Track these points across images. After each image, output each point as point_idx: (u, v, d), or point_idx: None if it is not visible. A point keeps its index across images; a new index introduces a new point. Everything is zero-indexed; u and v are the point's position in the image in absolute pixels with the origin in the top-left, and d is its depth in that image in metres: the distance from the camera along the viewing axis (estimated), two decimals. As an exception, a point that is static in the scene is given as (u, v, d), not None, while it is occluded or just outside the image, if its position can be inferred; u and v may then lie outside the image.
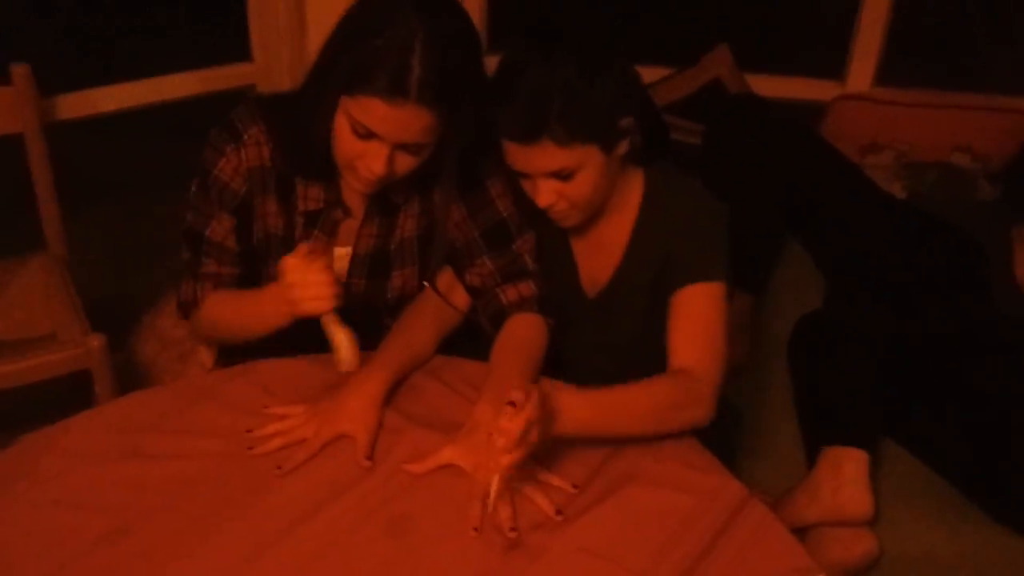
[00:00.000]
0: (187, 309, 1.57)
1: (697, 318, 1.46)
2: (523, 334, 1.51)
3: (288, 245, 1.53)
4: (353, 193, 1.52)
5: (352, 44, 1.32)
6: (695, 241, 1.51)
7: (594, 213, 1.55)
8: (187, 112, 2.52)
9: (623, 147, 1.47)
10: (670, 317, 1.48)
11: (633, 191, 1.58)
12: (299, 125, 1.42)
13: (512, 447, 1.17)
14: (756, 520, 1.26)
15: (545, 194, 1.45)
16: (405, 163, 1.38)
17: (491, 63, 1.45)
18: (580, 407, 1.30)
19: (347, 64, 1.31)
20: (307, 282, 1.35)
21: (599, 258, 1.63)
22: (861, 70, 2.81)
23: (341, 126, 1.35)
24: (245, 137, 1.47)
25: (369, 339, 1.55)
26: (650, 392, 1.39)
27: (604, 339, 1.66)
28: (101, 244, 2.81)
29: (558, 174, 1.43)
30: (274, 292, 1.41)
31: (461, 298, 1.61)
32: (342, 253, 1.57)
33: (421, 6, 1.30)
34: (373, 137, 1.33)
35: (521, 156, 1.43)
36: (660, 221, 1.56)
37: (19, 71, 2.03)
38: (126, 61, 3.09)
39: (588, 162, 1.42)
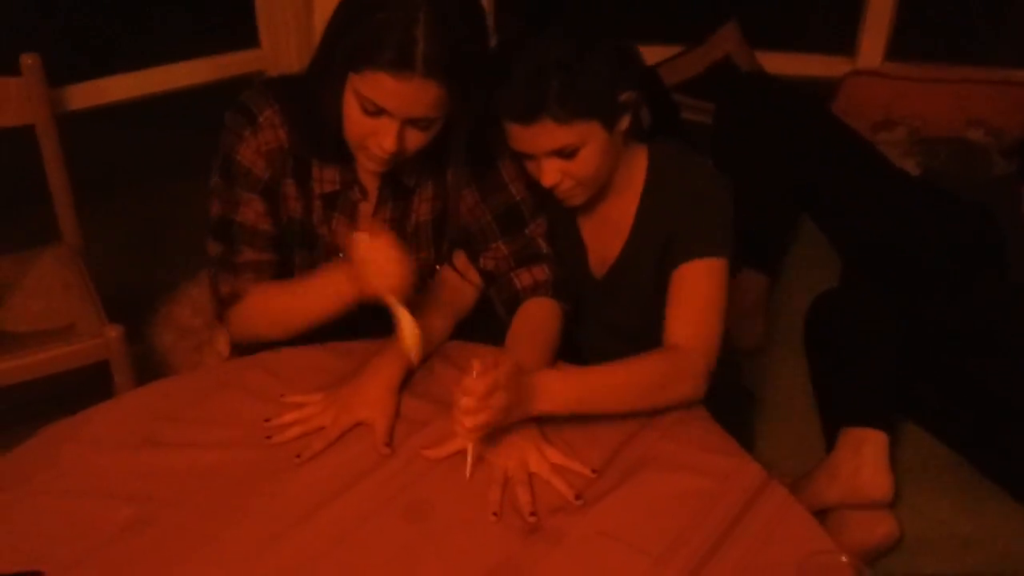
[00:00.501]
0: (227, 305, 1.51)
1: (693, 294, 1.47)
2: (538, 319, 1.51)
3: (307, 229, 1.53)
4: (367, 175, 1.51)
5: (356, 20, 1.31)
6: (696, 217, 1.50)
7: (599, 190, 1.54)
8: (196, 100, 2.52)
9: (624, 122, 1.47)
10: (668, 293, 1.49)
11: (638, 168, 1.58)
12: (309, 106, 1.42)
13: (475, 407, 1.20)
14: (776, 502, 1.25)
15: (549, 173, 1.45)
16: (415, 139, 1.37)
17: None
18: (561, 386, 1.33)
19: (352, 40, 1.31)
20: (379, 257, 1.33)
21: (606, 238, 1.63)
22: (872, 45, 2.79)
23: (350, 104, 1.34)
24: (260, 120, 1.46)
25: (387, 325, 1.55)
26: (636, 370, 1.40)
27: (615, 320, 1.66)
28: (116, 235, 2.82)
29: (560, 152, 1.43)
30: (337, 274, 1.39)
31: (472, 287, 1.61)
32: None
33: None
34: (382, 113, 1.32)
35: (523, 136, 1.43)
36: (665, 197, 1.56)
37: (28, 62, 2.02)
38: (134, 50, 3.09)
39: (590, 139, 1.42)
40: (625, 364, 1.40)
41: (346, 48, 1.31)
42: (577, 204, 1.55)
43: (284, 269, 1.55)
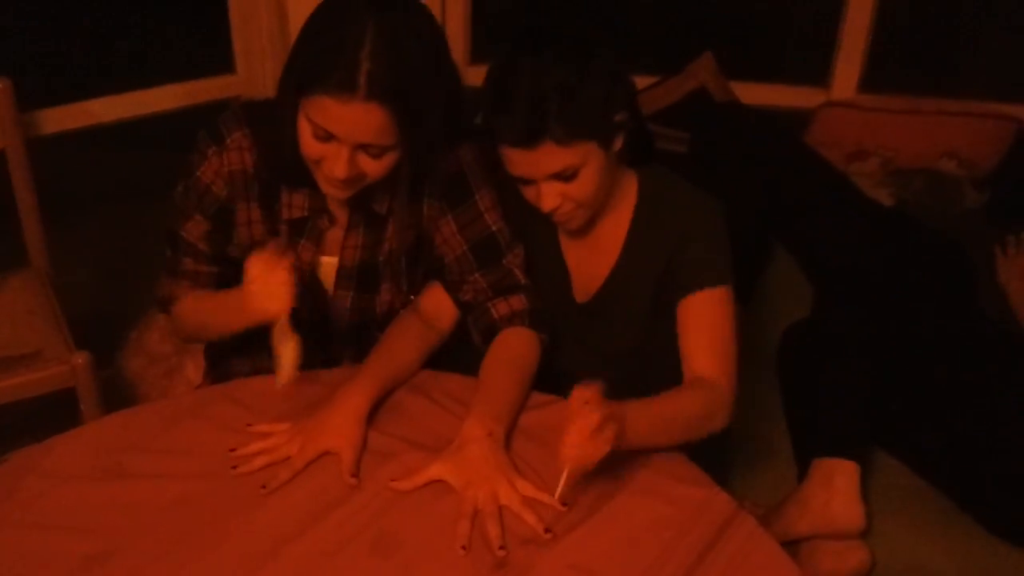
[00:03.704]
0: (164, 305, 1.60)
1: (706, 325, 1.48)
2: (514, 349, 1.50)
3: None
4: (336, 201, 1.50)
5: (306, 45, 1.32)
6: (697, 246, 1.51)
7: (597, 211, 1.55)
8: (171, 123, 2.51)
9: (619, 142, 1.48)
10: (680, 327, 1.49)
11: (627, 192, 1.58)
12: (273, 131, 1.41)
13: (588, 438, 1.17)
14: (745, 533, 1.25)
15: (549, 197, 1.45)
16: (371, 167, 1.36)
17: (474, 73, 1.44)
18: (639, 421, 1.30)
19: (301, 65, 1.31)
20: (266, 280, 1.34)
21: (592, 262, 1.62)
22: (845, 77, 2.81)
23: (303, 129, 1.34)
24: (228, 141, 1.47)
25: (359, 353, 1.54)
26: (684, 402, 1.42)
27: (599, 344, 1.65)
28: (86, 259, 2.79)
29: (561, 175, 1.43)
30: (236, 294, 1.41)
31: (447, 318, 1.60)
32: (330, 262, 1.56)
33: (374, 2, 1.29)
34: (332, 138, 1.32)
35: (523, 161, 1.43)
36: (657, 222, 1.56)
37: (-1, 86, 2.02)
38: (108, 74, 3.08)
39: (589, 159, 1.43)
40: (674, 397, 1.41)
41: (296, 73, 1.32)
42: (575, 227, 1.55)
43: (225, 281, 1.56)
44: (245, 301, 1.37)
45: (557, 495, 1.24)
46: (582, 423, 1.18)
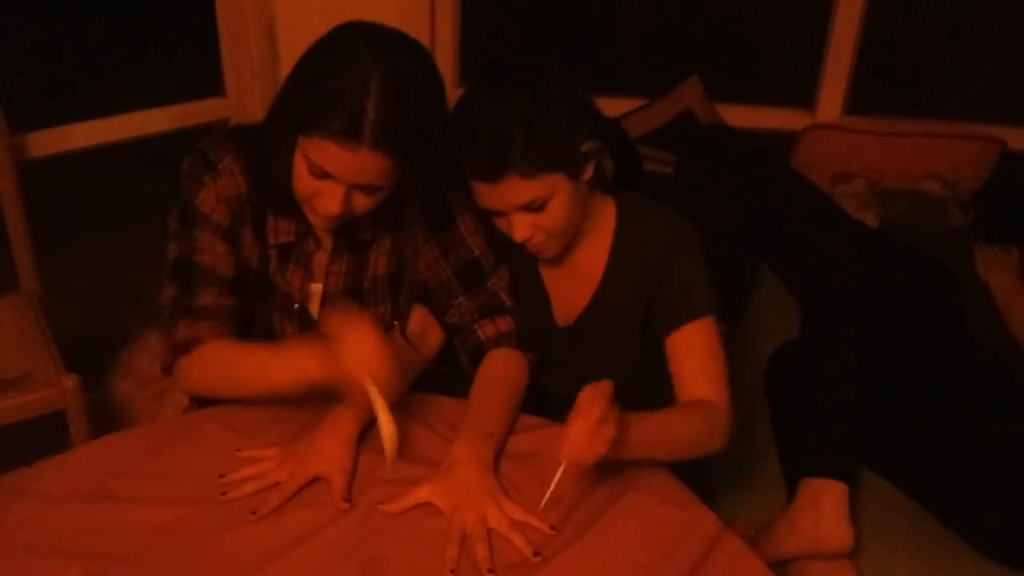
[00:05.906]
0: (181, 351, 1.44)
1: (699, 354, 1.50)
2: (503, 370, 1.51)
3: (263, 278, 1.53)
4: (321, 228, 1.51)
5: (309, 84, 1.31)
6: (680, 278, 1.53)
7: (571, 240, 1.56)
8: (161, 144, 2.51)
9: (588, 171, 1.49)
10: (671, 359, 1.51)
11: (605, 218, 1.59)
12: (262, 160, 1.41)
13: (589, 433, 1.19)
14: (731, 554, 1.25)
15: (520, 228, 1.46)
16: (363, 203, 1.37)
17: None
18: (641, 431, 1.31)
19: (303, 105, 1.30)
20: (374, 352, 1.26)
21: (573, 287, 1.63)
22: (830, 99, 2.84)
23: (298, 165, 1.34)
24: (220, 167, 1.45)
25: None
26: (687, 419, 1.44)
27: (582, 368, 1.65)
28: (76, 280, 2.79)
29: (529, 206, 1.44)
30: (302, 353, 1.32)
31: (433, 342, 1.60)
32: (315, 289, 1.56)
33: (379, 47, 1.28)
34: (328, 177, 1.32)
35: (490, 194, 1.44)
36: (637, 249, 1.57)
37: (-10, 110, 2.02)
38: (98, 97, 3.08)
39: (557, 190, 1.44)
40: (674, 412, 1.44)
41: (297, 111, 1.31)
42: (550, 256, 1.56)
43: (243, 316, 1.52)
44: (334, 359, 1.27)
45: (549, 492, 1.24)
46: (584, 419, 1.20)
